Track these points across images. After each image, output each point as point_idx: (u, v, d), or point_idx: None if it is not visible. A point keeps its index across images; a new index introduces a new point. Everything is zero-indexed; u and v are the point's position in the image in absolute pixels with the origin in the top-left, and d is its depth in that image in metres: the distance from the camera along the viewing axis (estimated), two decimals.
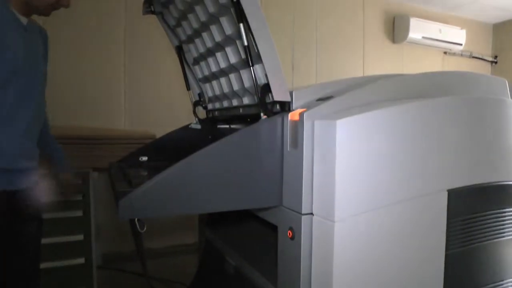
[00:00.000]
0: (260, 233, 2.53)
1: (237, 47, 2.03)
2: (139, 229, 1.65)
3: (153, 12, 2.61)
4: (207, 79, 2.69)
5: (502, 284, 2.03)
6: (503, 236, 2.00)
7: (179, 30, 2.61)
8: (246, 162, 1.69)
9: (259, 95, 1.82)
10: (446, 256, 1.80)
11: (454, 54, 6.82)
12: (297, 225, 1.66)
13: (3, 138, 1.88)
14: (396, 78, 1.94)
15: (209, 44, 2.30)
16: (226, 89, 2.42)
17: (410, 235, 1.72)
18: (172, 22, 2.62)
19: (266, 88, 1.75)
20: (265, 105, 1.81)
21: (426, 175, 1.73)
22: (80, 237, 3.26)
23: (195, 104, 2.90)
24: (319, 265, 1.62)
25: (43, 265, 2.98)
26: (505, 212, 1.99)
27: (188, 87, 2.88)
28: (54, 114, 4.12)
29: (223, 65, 2.28)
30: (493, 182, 1.95)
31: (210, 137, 2.79)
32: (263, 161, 1.71)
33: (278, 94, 1.72)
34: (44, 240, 3.02)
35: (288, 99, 1.75)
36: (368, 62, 6.13)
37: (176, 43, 2.76)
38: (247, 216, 2.22)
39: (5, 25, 1.85)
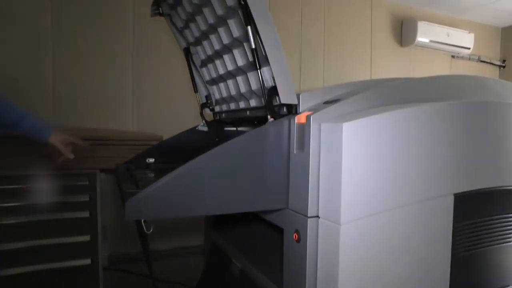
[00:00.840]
0: (266, 235, 2.53)
1: (245, 49, 2.04)
2: (145, 230, 1.65)
3: (161, 14, 2.62)
4: (214, 81, 2.69)
5: None
6: (510, 241, 2.00)
7: (187, 32, 2.62)
8: (252, 164, 1.69)
9: (266, 97, 1.83)
10: (452, 259, 1.80)
11: (462, 58, 6.79)
12: (303, 228, 1.66)
13: None
14: (403, 82, 1.93)
15: (217, 46, 2.30)
16: (233, 92, 2.42)
17: (416, 238, 1.71)
18: (180, 24, 2.62)
19: (273, 90, 1.75)
20: (272, 108, 1.82)
21: (432, 179, 1.73)
22: (86, 237, 3.26)
23: (202, 106, 2.91)
24: (325, 268, 1.62)
25: (49, 266, 3.00)
26: (511, 217, 1.99)
27: (195, 89, 2.88)
28: (61, 115, 4.16)
29: (230, 67, 2.28)
30: (500, 187, 1.95)
31: (217, 139, 2.79)
32: (270, 164, 1.71)
33: (285, 96, 1.72)
34: (50, 241, 3.04)
35: (295, 101, 1.75)
36: (375, 65, 6.11)
37: (184, 45, 2.77)
38: (253, 219, 2.22)
39: None
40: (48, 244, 3.07)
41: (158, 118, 4.63)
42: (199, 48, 2.63)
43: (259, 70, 1.84)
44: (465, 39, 6.46)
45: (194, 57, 2.78)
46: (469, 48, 6.53)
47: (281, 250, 1.84)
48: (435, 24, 6.20)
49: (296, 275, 1.73)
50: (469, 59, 6.86)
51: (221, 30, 2.15)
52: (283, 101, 1.73)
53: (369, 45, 6.07)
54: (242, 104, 2.40)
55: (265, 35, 1.66)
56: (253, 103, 2.26)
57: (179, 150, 2.62)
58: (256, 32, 1.70)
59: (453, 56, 6.76)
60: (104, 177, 3.68)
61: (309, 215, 1.63)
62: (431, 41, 6.16)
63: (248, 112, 2.32)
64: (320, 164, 1.62)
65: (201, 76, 2.85)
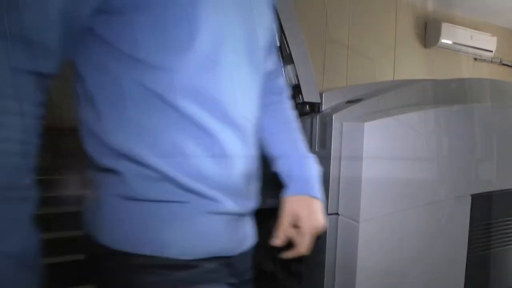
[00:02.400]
0: None
1: None
2: None
3: None
4: None
5: None
6: None
7: None
8: None
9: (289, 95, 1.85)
10: (468, 259, 1.81)
11: (484, 60, 6.74)
12: None
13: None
14: (425, 83, 1.94)
15: None
16: None
17: (433, 238, 1.73)
18: None
19: (297, 89, 1.77)
20: (295, 106, 1.84)
21: (451, 179, 1.74)
22: None
23: None
24: (343, 264, 1.64)
25: (64, 259, 3.01)
26: None
27: None
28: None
29: None
30: None
31: None
32: None
33: (308, 95, 1.74)
34: (66, 234, 3.03)
35: (318, 100, 1.77)
36: (399, 66, 6.08)
37: None
38: (272, 214, 2.24)
39: None
40: (65, 237, 3.09)
41: None
42: None
43: (282, 69, 1.86)
44: (488, 42, 6.42)
45: None
46: (491, 51, 6.49)
47: None
48: (459, 26, 6.17)
49: (314, 272, 1.75)
50: (491, 62, 6.81)
51: None
52: (306, 100, 1.75)
53: (392, 45, 6.04)
54: None
55: (289, 33, 1.68)
56: None
57: None
58: (281, 30, 1.72)
59: (475, 59, 6.71)
60: None
61: (328, 212, 1.65)
62: (454, 43, 6.13)
63: None
64: (341, 162, 1.64)
65: None
